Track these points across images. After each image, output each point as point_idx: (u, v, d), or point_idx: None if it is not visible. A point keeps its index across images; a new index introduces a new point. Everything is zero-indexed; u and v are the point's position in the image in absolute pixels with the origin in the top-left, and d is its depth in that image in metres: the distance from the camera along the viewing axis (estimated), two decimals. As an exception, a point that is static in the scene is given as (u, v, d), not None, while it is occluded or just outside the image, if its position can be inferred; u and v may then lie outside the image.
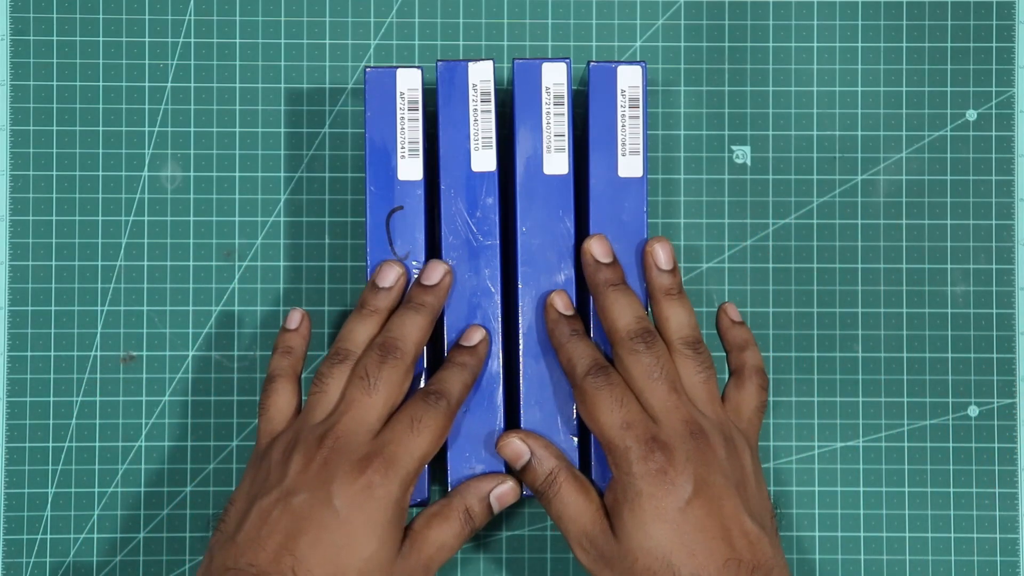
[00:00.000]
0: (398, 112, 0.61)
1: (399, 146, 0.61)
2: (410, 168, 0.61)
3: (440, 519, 0.59)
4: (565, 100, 0.61)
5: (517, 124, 0.61)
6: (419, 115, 0.61)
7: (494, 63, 0.61)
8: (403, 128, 0.61)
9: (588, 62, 0.61)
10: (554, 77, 0.61)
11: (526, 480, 0.61)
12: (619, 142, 0.61)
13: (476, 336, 0.61)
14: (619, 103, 0.61)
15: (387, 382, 0.58)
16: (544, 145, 0.61)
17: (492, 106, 0.61)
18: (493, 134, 0.61)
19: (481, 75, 0.61)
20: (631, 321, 0.60)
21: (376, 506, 0.56)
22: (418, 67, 0.61)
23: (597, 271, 0.61)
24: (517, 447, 0.61)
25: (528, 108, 0.61)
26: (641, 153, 0.61)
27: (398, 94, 0.61)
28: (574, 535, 0.59)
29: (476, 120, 0.61)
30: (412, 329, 0.60)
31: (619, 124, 0.61)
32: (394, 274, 0.61)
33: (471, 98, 0.61)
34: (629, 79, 0.61)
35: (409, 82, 0.61)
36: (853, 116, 0.71)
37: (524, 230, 0.62)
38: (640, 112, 0.61)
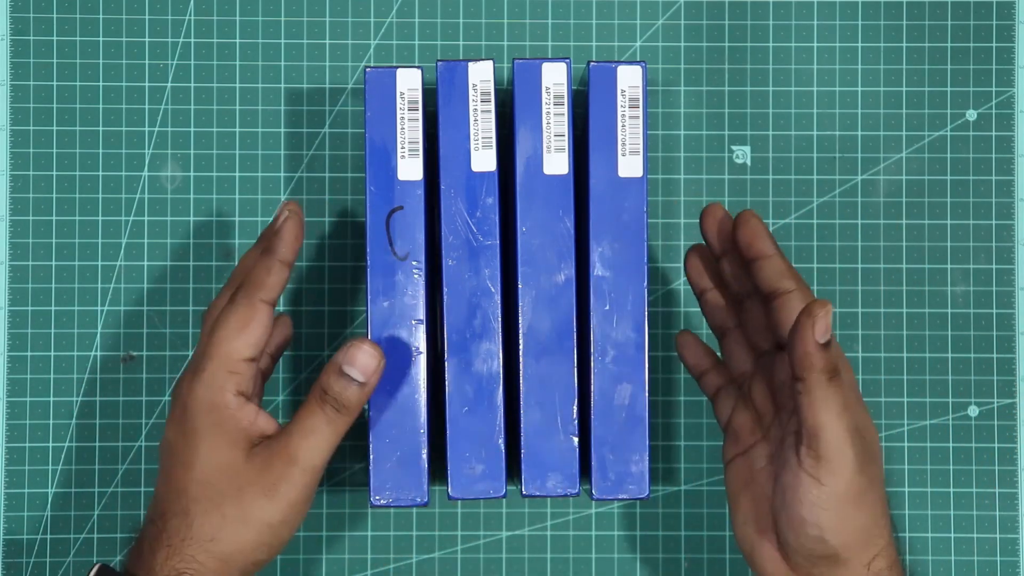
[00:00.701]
0: (398, 112, 0.61)
1: (399, 146, 0.61)
2: (410, 168, 0.61)
3: (298, 414, 0.58)
4: (565, 100, 0.61)
5: (517, 124, 0.61)
6: (419, 115, 0.61)
7: (494, 63, 0.61)
8: (403, 128, 0.61)
9: (588, 62, 0.61)
10: (554, 77, 0.61)
11: (835, 351, 0.54)
12: (619, 142, 0.61)
13: (283, 214, 0.59)
14: (619, 103, 0.61)
15: (218, 306, 0.59)
16: (544, 145, 0.61)
17: (492, 106, 0.61)
18: (493, 134, 0.61)
19: (481, 75, 0.61)
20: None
21: (187, 416, 0.57)
22: (418, 67, 0.61)
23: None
24: (826, 319, 0.53)
25: (528, 108, 0.61)
26: (641, 153, 0.61)
27: (398, 94, 0.61)
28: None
29: (476, 120, 0.61)
30: (248, 259, 0.60)
31: (619, 124, 0.61)
32: (282, 215, 0.59)
33: (471, 98, 0.61)
34: (629, 79, 0.61)
35: (409, 82, 0.61)
36: (853, 116, 0.71)
37: (524, 230, 0.62)
38: (640, 112, 0.61)
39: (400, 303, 0.61)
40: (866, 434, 0.54)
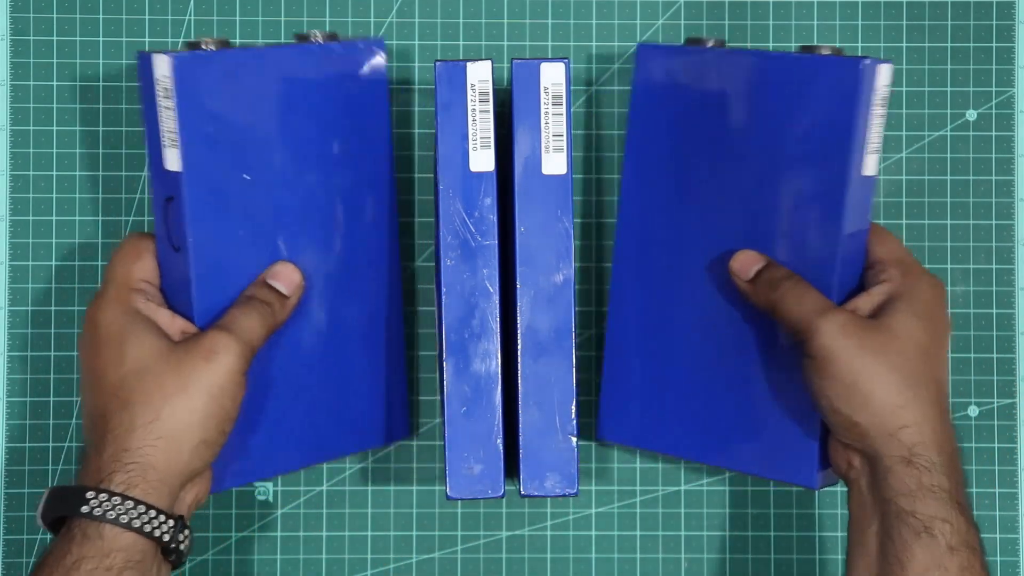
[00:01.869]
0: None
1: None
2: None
3: (240, 307, 0.60)
4: (563, 100, 0.61)
5: (516, 124, 0.61)
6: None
7: (492, 63, 0.61)
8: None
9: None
10: (553, 77, 0.61)
11: (764, 279, 0.61)
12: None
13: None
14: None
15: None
16: (542, 145, 0.61)
17: (490, 106, 0.61)
18: (491, 134, 0.61)
19: (479, 75, 0.61)
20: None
21: (90, 330, 0.59)
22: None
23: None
24: (752, 255, 0.62)
25: (527, 108, 0.61)
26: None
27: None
28: (813, 310, 0.59)
29: (474, 120, 0.61)
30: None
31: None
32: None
33: (469, 98, 0.61)
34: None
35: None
36: (853, 116, 0.71)
37: (523, 230, 0.62)
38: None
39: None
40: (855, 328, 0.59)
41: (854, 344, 0.58)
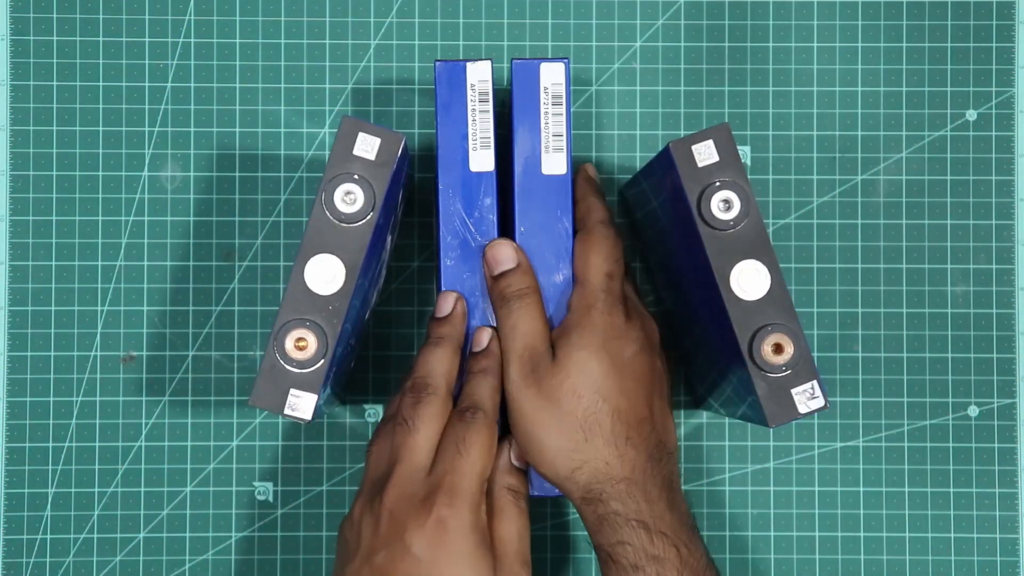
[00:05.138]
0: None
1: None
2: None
3: (498, 516, 0.59)
4: (563, 100, 0.61)
5: (516, 124, 0.61)
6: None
7: (492, 63, 0.61)
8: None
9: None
10: (552, 77, 0.61)
11: (500, 285, 0.61)
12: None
13: (484, 338, 0.61)
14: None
15: (425, 419, 0.58)
16: (542, 145, 0.61)
17: (490, 106, 0.61)
18: (491, 134, 0.61)
19: (479, 75, 0.61)
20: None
21: (454, 538, 0.56)
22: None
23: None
24: (508, 252, 0.61)
25: (526, 108, 0.61)
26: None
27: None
28: (519, 348, 0.60)
29: (474, 120, 0.61)
30: (436, 363, 0.60)
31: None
32: (450, 302, 0.62)
33: (469, 98, 0.61)
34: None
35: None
36: (853, 116, 0.71)
37: (523, 230, 0.62)
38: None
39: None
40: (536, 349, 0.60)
41: (532, 393, 0.59)
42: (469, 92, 0.61)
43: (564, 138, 0.61)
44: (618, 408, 0.58)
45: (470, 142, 0.61)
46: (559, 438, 0.58)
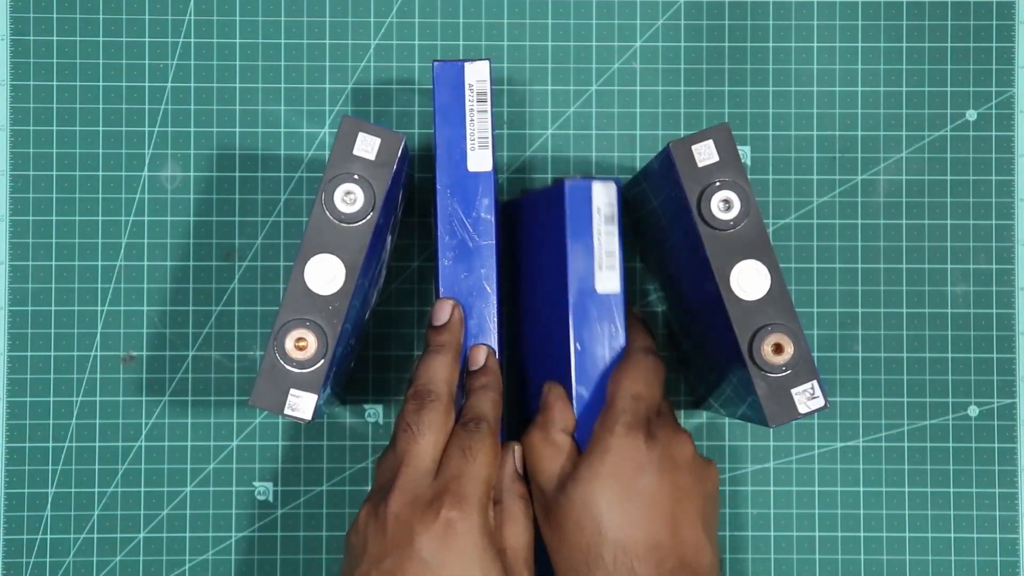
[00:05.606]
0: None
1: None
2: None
3: (508, 523, 0.59)
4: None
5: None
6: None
7: (491, 63, 0.61)
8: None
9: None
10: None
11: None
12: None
13: (481, 356, 0.62)
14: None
15: (429, 425, 0.58)
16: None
17: (488, 106, 0.61)
18: (489, 134, 0.61)
19: (477, 75, 0.61)
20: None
21: (463, 540, 0.56)
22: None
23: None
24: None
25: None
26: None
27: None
28: (545, 477, 0.60)
29: (472, 120, 0.61)
30: (437, 370, 0.60)
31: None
32: (447, 310, 0.62)
33: (467, 98, 0.61)
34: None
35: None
36: (853, 116, 0.71)
37: (578, 348, 0.61)
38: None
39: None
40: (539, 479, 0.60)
41: (542, 519, 0.59)
42: (467, 92, 0.61)
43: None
44: (619, 539, 0.57)
45: (468, 142, 0.61)
46: (566, 565, 0.58)
